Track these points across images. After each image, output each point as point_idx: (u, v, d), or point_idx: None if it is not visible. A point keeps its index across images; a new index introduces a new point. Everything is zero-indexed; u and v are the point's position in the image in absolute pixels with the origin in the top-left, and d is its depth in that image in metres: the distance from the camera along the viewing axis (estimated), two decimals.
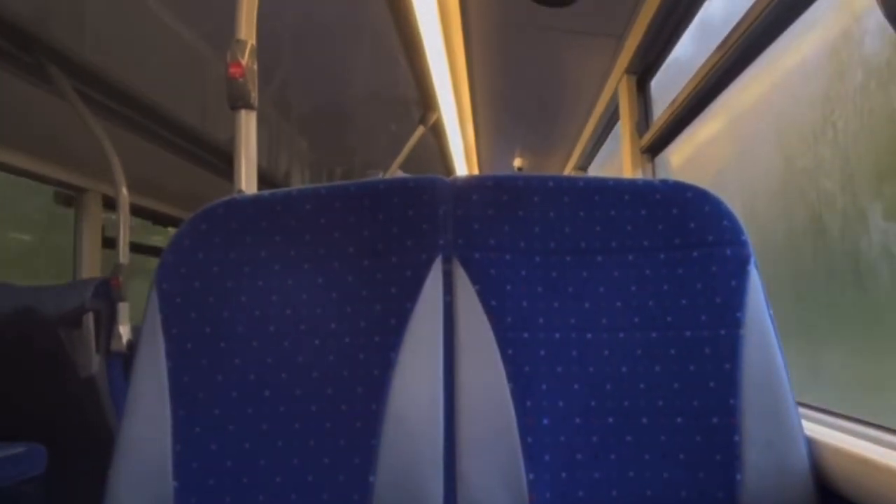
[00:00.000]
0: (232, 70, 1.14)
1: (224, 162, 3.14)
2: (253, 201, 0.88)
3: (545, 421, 0.79)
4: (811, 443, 0.80)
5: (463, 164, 4.07)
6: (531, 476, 0.78)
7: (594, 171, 3.59)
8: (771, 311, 0.82)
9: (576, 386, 0.80)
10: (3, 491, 1.79)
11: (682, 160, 2.05)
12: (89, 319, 2.13)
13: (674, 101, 1.85)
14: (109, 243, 3.08)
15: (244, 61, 1.15)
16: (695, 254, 0.83)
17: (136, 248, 3.28)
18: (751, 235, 0.85)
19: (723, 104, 1.67)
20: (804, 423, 0.81)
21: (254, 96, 1.16)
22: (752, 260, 0.83)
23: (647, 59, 2.20)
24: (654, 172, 2.24)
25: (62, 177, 2.88)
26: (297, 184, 3.88)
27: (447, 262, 0.84)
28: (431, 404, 0.80)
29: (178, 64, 2.31)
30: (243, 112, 1.16)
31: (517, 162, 3.99)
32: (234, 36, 1.18)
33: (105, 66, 2.22)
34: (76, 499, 2.05)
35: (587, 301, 0.83)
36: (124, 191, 2.45)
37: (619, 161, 2.45)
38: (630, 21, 2.11)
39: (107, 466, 0.80)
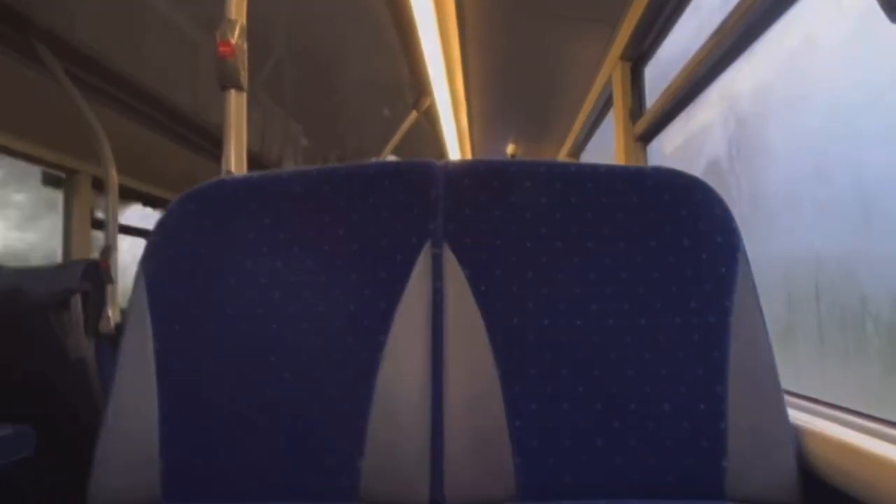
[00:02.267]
0: (221, 50, 1.13)
1: (215, 145, 3.12)
2: (242, 183, 0.87)
3: (533, 406, 0.80)
4: (796, 430, 0.81)
5: (456, 149, 4.06)
6: (518, 461, 0.78)
7: (587, 158, 3.58)
8: (759, 299, 0.82)
9: (564, 372, 0.81)
10: None
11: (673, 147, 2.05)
12: (78, 301, 2.12)
13: (668, 89, 1.85)
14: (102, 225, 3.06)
15: (234, 41, 1.13)
16: (685, 241, 0.83)
17: (126, 230, 3.26)
18: None
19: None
20: (789, 410, 0.81)
21: (244, 76, 1.15)
22: (742, 248, 0.83)
23: (641, 46, 2.19)
24: (646, 160, 2.24)
25: (51, 158, 2.85)
26: (290, 168, 3.85)
27: (437, 246, 0.83)
28: (419, 388, 0.80)
29: (169, 45, 2.29)
30: (233, 92, 1.15)
31: (510, 148, 3.98)
32: (225, 15, 1.17)
33: (95, 47, 2.19)
34: (65, 480, 2.05)
35: (577, 287, 0.83)
36: (113, 173, 2.43)
37: (611, 148, 2.45)
38: (624, 7, 2.10)
39: (95, 448, 0.80)
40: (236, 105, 1.15)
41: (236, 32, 1.14)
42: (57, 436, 1.98)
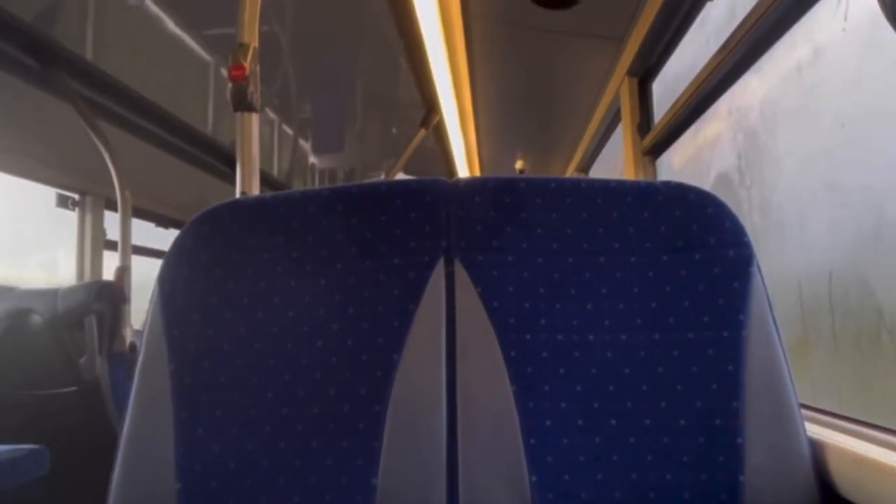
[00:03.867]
0: (234, 73, 1.15)
1: (228, 165, 3.15)
2: (255, 203, 0.88)
3: (548, 422, 0.79)
4: (814, 444, 0.80)
5: (465, 166, 4.08)
6: (534, 478, 0.78)
7: (595, 173, 3.59)
8: (774, 313, 0.82)
9: (578, 387, 0.80)
10: (6, 492, 1.79)
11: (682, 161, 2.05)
12: (92, 321, 2.14)
13: (676, 103, 1.85)
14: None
15: (247, 64, 1.15)
16: (697, 255, 0.83)
17: (140, 251, 3.28)
18: None
19: None
20: (807, 424, 0.81)
21: (256, 98, 1.17)
22: (755, 261, 0.83)
23: (648, 61, 2.20)
24: (655, 174, 2.24)
25: (65, 179, 2.88)
26: (299, 187, 3.89)
27: (449, 263, 0.84)
28: (434, 406, 0.80)
29: (182, 67, 2.33)
30: (245, 114, 1.17)
31: (519, 164, 3.99)
32: (237, 39, 1.18)
33: (109, 70, 2.22)
34: (79, 501, 2.05)
35: (589, 303, 0.83)
36: (127, 193, 2.46)
37: (621, 163, 2.45)
38: (631, 23, 2.11)
39: (110, 468, 0.80)
40: (249, 126, 1.17)
41: (248, 56, 1.16)
42: (71, 456, 1.98)
